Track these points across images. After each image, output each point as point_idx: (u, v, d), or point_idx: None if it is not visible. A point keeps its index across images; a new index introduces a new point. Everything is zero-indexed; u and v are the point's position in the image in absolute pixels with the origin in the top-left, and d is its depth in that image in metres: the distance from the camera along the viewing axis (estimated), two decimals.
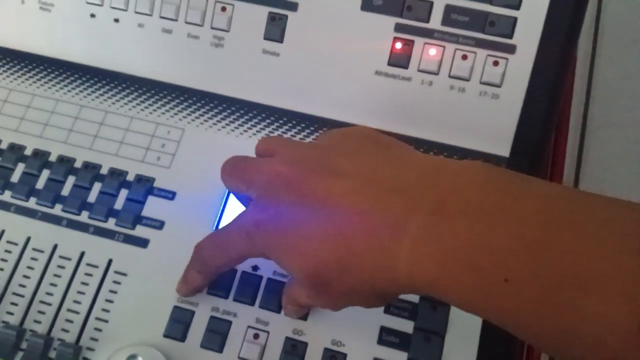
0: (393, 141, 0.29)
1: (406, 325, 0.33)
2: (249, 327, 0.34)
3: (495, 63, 0.37)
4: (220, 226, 0.37)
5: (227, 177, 0.32)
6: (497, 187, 0.24)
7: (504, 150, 0.37)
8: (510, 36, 0.36)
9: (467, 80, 0.37)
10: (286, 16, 0.39)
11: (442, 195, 0.24)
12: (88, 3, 0.42)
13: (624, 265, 0.20)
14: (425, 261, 0.23)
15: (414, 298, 0.34)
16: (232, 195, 0.37)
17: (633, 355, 0.20)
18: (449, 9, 0.37)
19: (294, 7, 0.39)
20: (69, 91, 0.42)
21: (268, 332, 0.34)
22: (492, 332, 0.33)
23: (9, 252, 0.37)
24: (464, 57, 0.37)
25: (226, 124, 0.40)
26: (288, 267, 0.28)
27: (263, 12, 0.39)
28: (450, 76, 0.37)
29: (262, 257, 0.30)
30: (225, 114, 0.40)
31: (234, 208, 0.37)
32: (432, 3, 0.37)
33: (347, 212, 0.25)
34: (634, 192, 0.35)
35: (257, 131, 0.39)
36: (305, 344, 0.33)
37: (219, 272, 0.34)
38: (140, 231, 0.37)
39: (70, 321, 0.35)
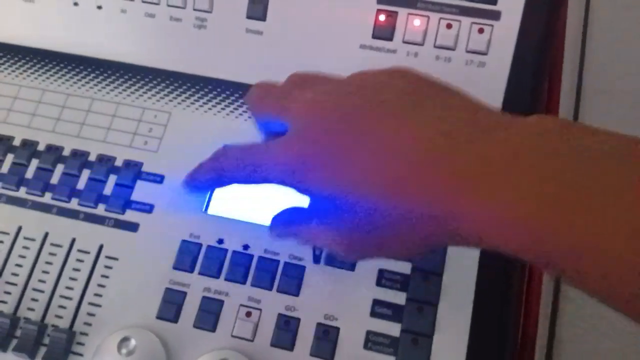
0: (441, 86, 0.27)
1: (398, 297, 0.33)
2: (241, 305, 0.34)
3: (480, 30, 0.36)
4: (210, 207, 0.37)
5: (257, 102, 0.30)
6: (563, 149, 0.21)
7: None
8: (495, 2, 0.36)
9: (453, 49, 0.37)
10: None
11: (513, 153, 0.22)
12: None
13: None
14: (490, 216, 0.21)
15: (406, 269, 0.34)
16: None
17: None
18: None
19: None
20: (55, 80, 0.42)
21: (260, 310, 0.33)
22: (485, 299, 0.32)
23: (1, 242, 0.37)
24: (449, 26, 0.36)
25: (212, 106, 0.40)
26: (329, 205, 0.26)
27: None
28: (435, 46, 0.37)
29: (293, 189, 0.27)
30: (210, 95, 0.40)
31: (223, 189, 0.37)
32: None
33: (414, 158, 0.23)
34: None
35: (243, 111, 0.39)
36: (298, 320, 0.33)
37: (231, 183, 0.31)
38: (130, 215, 0.37)
39: (64, 307, 0.35)
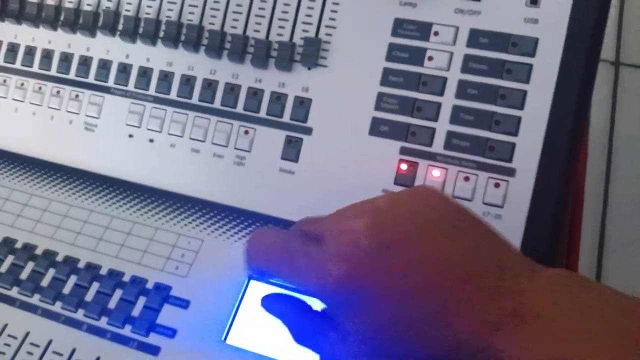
0: (470, 220, 0.32)
1: None
2: None
3: (496, 185, 0.38)
4: (229, 337, 0.38)
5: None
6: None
7: None
8: (510, 160, 0.38)
9: (470, 200, 0.39)
10: (302, 139, 0.43)
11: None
12: (127, 125, 0.47)
13: None
14: None
15: None
16: (241, 306, 0.39)
17: None
18: (451, 135, 0.39)
19: (309, 131, 0.42)
20: (102, 203, 0.45)
21: None
22: None
23: (30, 353, 0.39)
24: (466, 179, 0.39)
25: (242, 236, 0.42)
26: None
27: (281, 135, 0.43)
28: (453, 196, 0.39)
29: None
30: (242, 226, 0.43)
31: (244, 319, 0.38)
32: (434, 129, 0.40)
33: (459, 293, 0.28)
34: None
35: None
36: None
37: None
38: (153, 339, 0.38)
39: None
